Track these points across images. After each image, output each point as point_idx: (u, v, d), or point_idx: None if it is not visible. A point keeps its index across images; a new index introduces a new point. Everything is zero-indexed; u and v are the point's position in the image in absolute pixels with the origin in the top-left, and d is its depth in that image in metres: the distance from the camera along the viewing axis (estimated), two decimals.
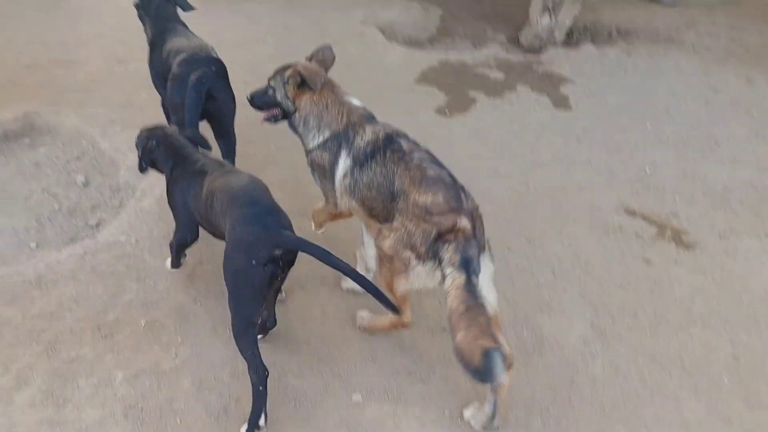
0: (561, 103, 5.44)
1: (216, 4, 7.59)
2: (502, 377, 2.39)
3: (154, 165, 3.04)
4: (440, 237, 2.53)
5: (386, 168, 2.71)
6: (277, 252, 2.37)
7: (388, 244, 2.63)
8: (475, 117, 5.12)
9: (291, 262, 2.49)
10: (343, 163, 2.85)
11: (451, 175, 2.75)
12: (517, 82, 5.77)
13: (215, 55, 3.77)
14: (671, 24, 7.17)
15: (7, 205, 3.91)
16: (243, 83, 5.41)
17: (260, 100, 3.10)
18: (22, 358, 2.71)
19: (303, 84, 2.93)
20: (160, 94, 4.09)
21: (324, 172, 2.95)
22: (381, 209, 2.75)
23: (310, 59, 3.14)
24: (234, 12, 7.32)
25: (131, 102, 5.06)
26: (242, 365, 2.54)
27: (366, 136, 2.83)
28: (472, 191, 4.04)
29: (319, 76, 2.95)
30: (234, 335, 2.44)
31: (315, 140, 2.95)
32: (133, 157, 4.32)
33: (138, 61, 5.77)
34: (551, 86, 5.74)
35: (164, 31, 3.99)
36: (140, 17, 4.27)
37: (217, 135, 3.79)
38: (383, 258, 2.68)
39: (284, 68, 3.00)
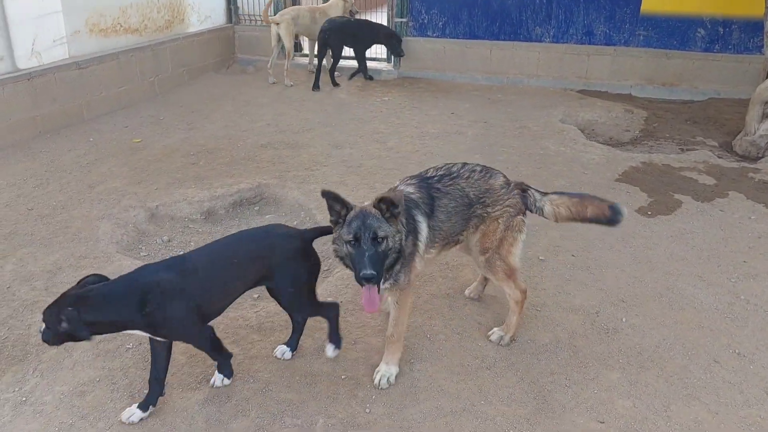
0: None
1: (423, 100, 8.27)
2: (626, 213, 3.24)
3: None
4: (523, 192, 3.30)
5: (450, 195, 3.16)
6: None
7: (501, 228, 3.21)
8: (681, 220, 4.91)
9: None
10: (423, 225, 3.08)
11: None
12: (730, 189, 5.46)
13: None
14: None
15: None
16: None
17: (381, 263, 2.77)
18: (241, 392, 3.08)
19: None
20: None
21: (409, 254, 3.02)
22: (460, 227, 3.21)
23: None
24: (439, 107, 7.91)
25: (344, 182, 5.62)
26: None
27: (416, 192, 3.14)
28: (672, 294, 3.91)
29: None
30: (306, 311, 3.20)
31: (403, 238, 2.90)
32: None
33: (352, 147, 6.47)
34: None
35: None
36: None
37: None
38: (496, 247, 3.24)
39: (365, 215, 2.78)
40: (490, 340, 3.48)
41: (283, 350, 3.34)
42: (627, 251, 4.45)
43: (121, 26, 7.80)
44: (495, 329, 3.52)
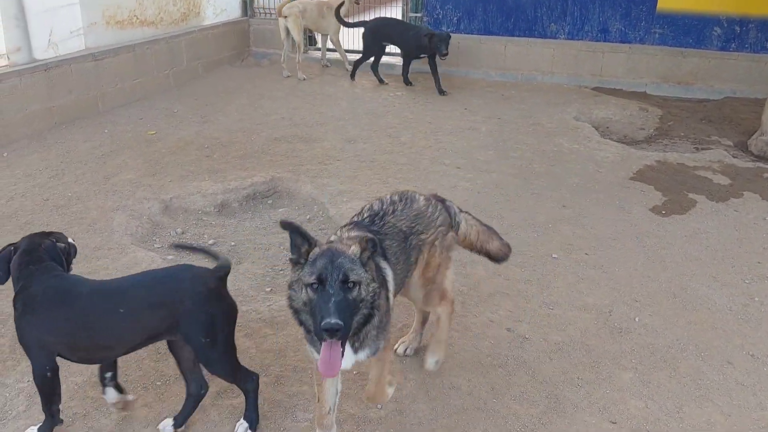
0: None
1: (437, 96, 8.24)
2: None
3: None
4: (444, 204, 3.07)
5: (389, 235, 2.75)
6: None
7: (438, 251, 2.94)
8: (695, 219, 4.88)
9: None
10: (389, 271, 2.64)
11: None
12: (745, 189, 5.41)
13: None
14: None
15: (251, 253, 4.54)
16: (456, 168, 5.82)
17: (350, 314, 2.20)
18: None
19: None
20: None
21: (386, 312, 2.54)
22: (406, 267, 2.83)
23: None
24: (452, 103, 7.89)
25: (357, 176, 5.63)
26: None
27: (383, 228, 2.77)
28: (686, 294, 3.89)
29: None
30: (224, 368, 2.72)
31: (377, 290, 2.37)
32: None
33: (365, 141, 6.47)
34: None
35: None
36: None
37: None
38: (434, 275, 2.97)
39: (335, 253, 2.25)
40: (397, 353, 3.31)
41: (165, 425, 2.81)
42: (640, 250, 4.42)
43: (138, 18, 7.84)
44: (401, 342, 3.34)
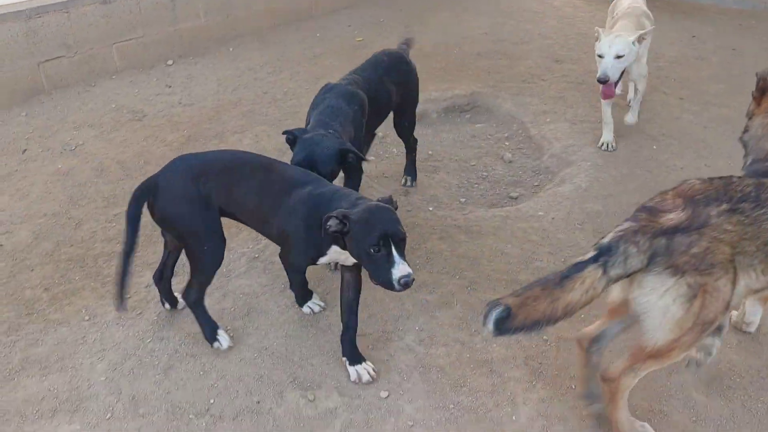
0: None
1: (660, 21, 7.41)
2: None
3: None
4: None
5: None
6: None
7: None
8: None
9: None
10: None
11: None
12: None
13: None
14: None
15: (447, 164, 4.54)
16: (678, 99, 5.26)
17: None
18: (447, 286, 3.13)
19: None
20: None
21: None
22: None
23: None
24: (677, 29, 7.06)
25: (563, 97, 5.31)
26: None
27: None
28: None
29: None
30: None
31: None
32: (559, 146, 4.61)
33: (574, 62, 6.06)
34: None
35: None
36: None
37: None
38: None
39: None
40: None
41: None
42: None
43: None
44: None
